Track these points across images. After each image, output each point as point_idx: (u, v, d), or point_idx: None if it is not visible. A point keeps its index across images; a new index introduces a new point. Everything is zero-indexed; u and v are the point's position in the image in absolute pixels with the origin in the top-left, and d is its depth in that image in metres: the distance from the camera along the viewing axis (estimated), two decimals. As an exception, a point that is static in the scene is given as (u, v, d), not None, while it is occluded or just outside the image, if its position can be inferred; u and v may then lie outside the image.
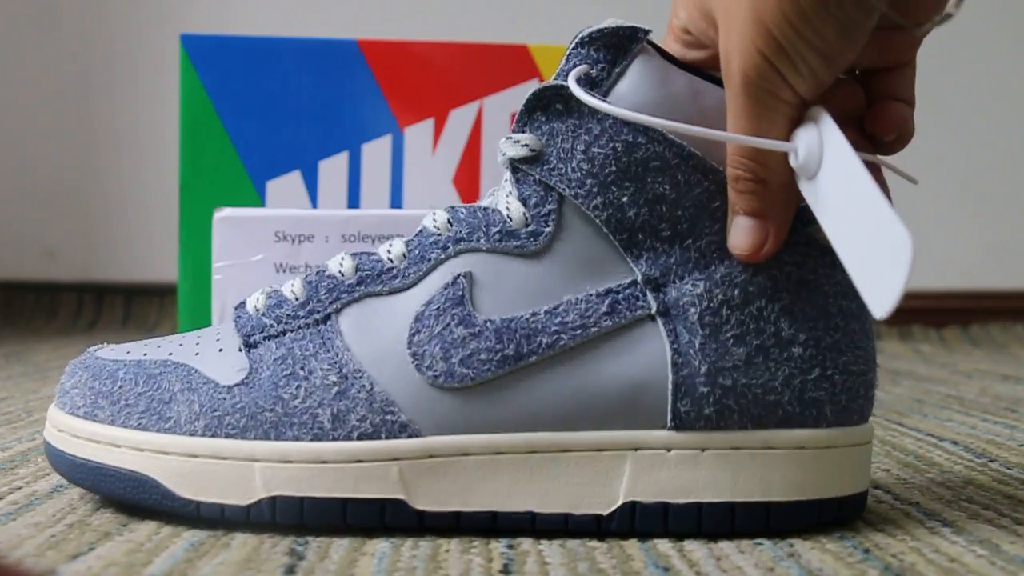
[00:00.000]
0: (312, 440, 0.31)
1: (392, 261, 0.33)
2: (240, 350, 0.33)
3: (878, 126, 0.33)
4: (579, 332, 0.31)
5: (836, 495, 0.32)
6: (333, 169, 0.63)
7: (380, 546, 0.30)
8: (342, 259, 0.33)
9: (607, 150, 0.31)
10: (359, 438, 0.31)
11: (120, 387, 0.33)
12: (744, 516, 0.31)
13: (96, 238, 1.40)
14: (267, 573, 0.28)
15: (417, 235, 0.33)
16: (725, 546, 0.31)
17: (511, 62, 0.61)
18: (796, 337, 0.32)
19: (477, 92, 0.63)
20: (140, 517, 0.33)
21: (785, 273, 0.32)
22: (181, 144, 0.63)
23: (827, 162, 0.29)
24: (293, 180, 0.63)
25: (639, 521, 0.31)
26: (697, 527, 0.32)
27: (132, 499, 0.32)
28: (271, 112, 0.63)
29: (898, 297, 0.27)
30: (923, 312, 1.25)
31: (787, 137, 0.30)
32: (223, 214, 0.53)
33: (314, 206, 0.63)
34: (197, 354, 0.33)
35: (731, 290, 0.32)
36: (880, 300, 0.28)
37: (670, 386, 0.31)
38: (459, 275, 0.32)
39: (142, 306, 1.30)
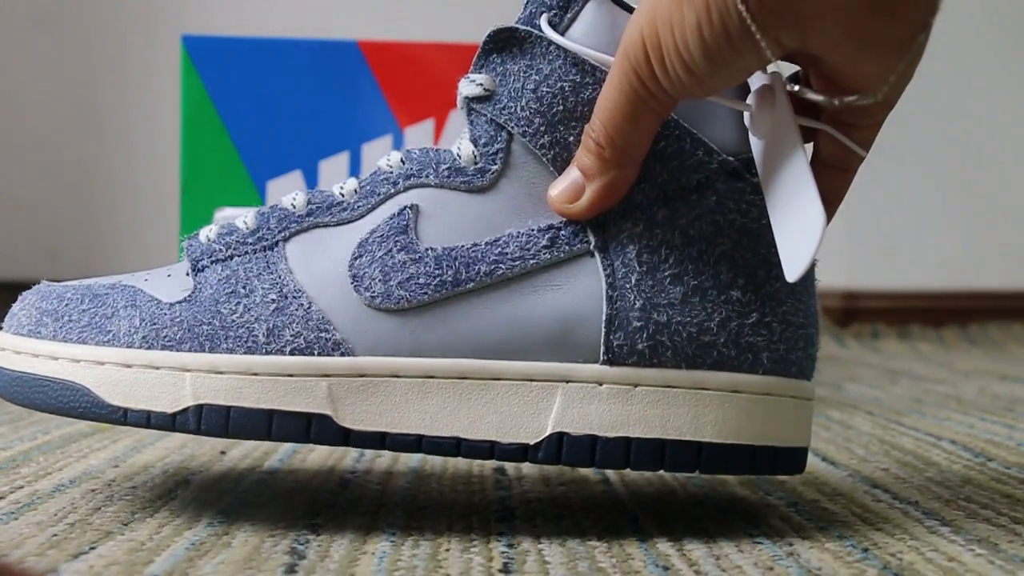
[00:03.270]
0: (245, 353, 0.32)
1: (343, 196, 0.34)
2: (187, 275, 0.34)
3: None
4: (518, 263, 0.32)
5: (771, 444, 0.32)
6: (334, 169, 0.63)
7: (381, 545, 0.30)
8: (295, 195, 0.34)
9: (555, 89, 0.32)
10: (291, 353, 0.32)
11: (66, 305, 0.34)
12: (674, 454, 0.31)
13: (97, 238, 1.40)
14: (268, 572, 0.28)
15: (371, 174, 0.34)
16: (724, 545, 0.31)
17: (511, 62, 0.61)
18: (735, 281, 0.32)
19: (477, 92, 0.63)
20: (142, 516, 0.33)
21: (728, 220, 0.32)
22: (182, 144, 0.63)
23: (774, 128, 0.31)
24: (294, 180, 0.63)
25: (566, 453, 0.31)
26: (625, 462, 0.31)
27: (61, 408, 0.32)
28: (272, 112, 0.63)
29: (806, 267, 0.29)
30: (921, 311, 1.25)
31: (642, 121, 0.30)
32: (224, 214, 0.53)
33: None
34: (146, 280, 0.34)
35: (671, 232, 0.32)
36: (792, 266, 0.30)
37: (604, 318, 0.31)
38: (405, 207, 0.33)
39: (142, 306, 1.30)
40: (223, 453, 0.44)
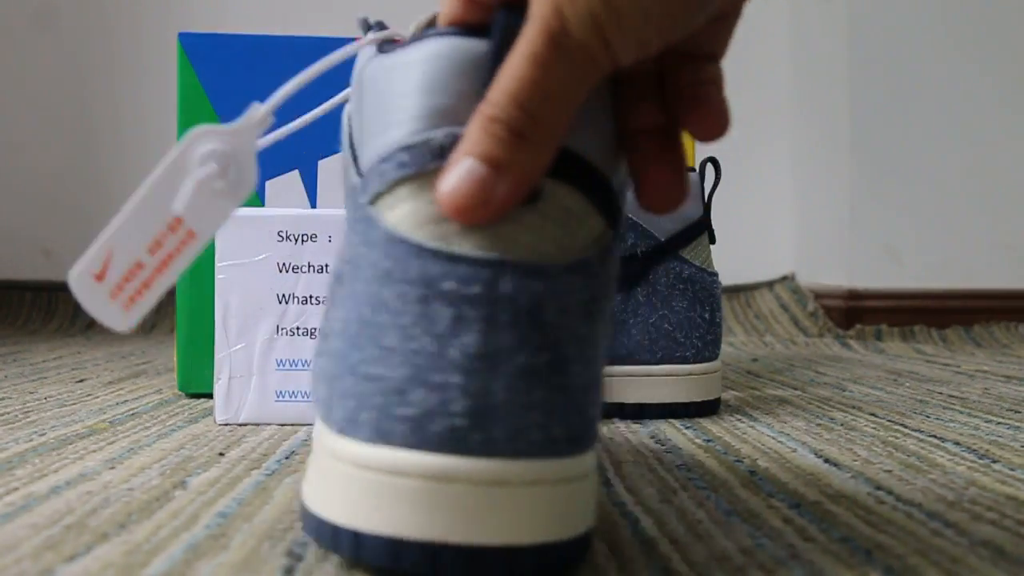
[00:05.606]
0: None
1: None
2: None
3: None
4: None
5: (352, 526, 0.26)
6: (332, 169, 0.63)
7: (379, 547, 0.30)
8: None
9: None
10: None
11: None
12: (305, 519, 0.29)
13: (93, 238, 1.40)
14: (266, 574, 0.27)
15: None
16: (727, 546, 0.31)
17: (511, 61, 0.61)
18: (335, 327, 0.28)
19: (477, 91, 0.62)
20: (139, 518, 0.33)
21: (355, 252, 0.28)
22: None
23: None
24: (292, 179, 0.63)
25: None
26: None
27: None
28: (270, 111, 0.62)
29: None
30: (925, 312, 1.25)
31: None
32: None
33: (313, 205, 0.63)
34: None
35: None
36: None
37: None
38: None
39: (141, 306, 1.30)
40: (221, 455, 0.44)
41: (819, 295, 1.33)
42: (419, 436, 0.25)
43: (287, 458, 0.43)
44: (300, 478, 0.39)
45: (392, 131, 0.27)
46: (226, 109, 0.62)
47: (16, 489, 0.37)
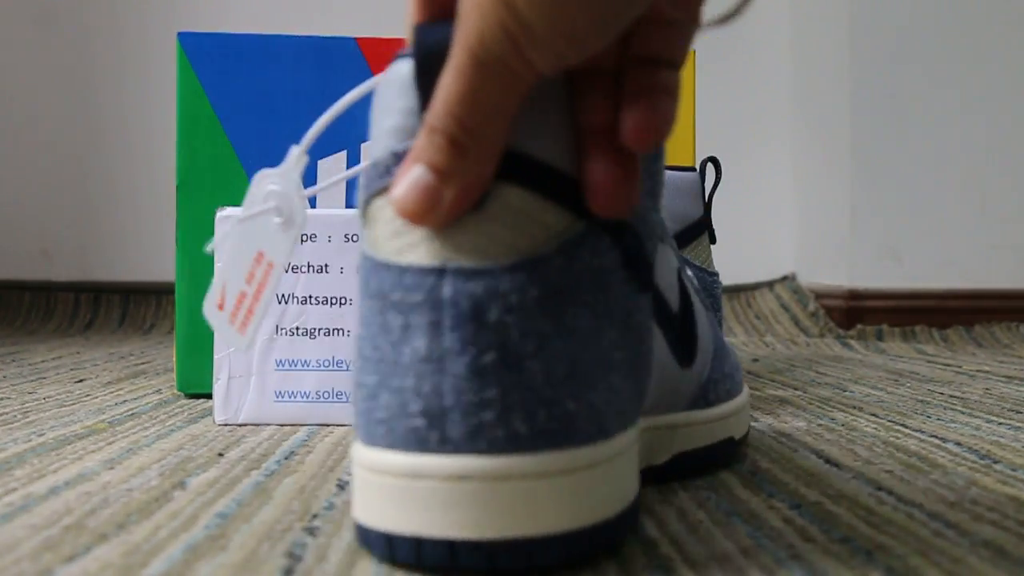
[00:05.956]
0: None
1: None
2: None
3: (631, 132, 0.28)
4: None
5: (359, 520, 0.29)
6: (332, 168, 0.63)
7: (378, 548, 0.30)
8: None
9: None
10: None
11: None
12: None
13: (93, 238, 1.40)
14: (265, 575, 0.27)
15: None
16: (728, 547, 0.31)
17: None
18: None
19: (477, 91, 0.62)
20: (138, 518, 0.33)
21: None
22: (178, 143, 0.62)
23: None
24: (292, 179, 0.62)
25: None
26: None
27: None
28: (269, 110, 0.62)
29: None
30: (926, 312, 1.25)
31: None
32: (225, 213, 0.52)
33: (312, 206, 0.63)
34: None
35: None
36: None
37: None
38: None
39: (139, 306, 1.30)
40: (220, 455, 0.44)
41: (820, 295, 1.33)
42: (391, 437, 0.27)
43: (286, 459, 0.43)
44: (300, 479, 0.39)
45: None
46: (226, 109, 0.62)
47: (15, 490, 0.37)
